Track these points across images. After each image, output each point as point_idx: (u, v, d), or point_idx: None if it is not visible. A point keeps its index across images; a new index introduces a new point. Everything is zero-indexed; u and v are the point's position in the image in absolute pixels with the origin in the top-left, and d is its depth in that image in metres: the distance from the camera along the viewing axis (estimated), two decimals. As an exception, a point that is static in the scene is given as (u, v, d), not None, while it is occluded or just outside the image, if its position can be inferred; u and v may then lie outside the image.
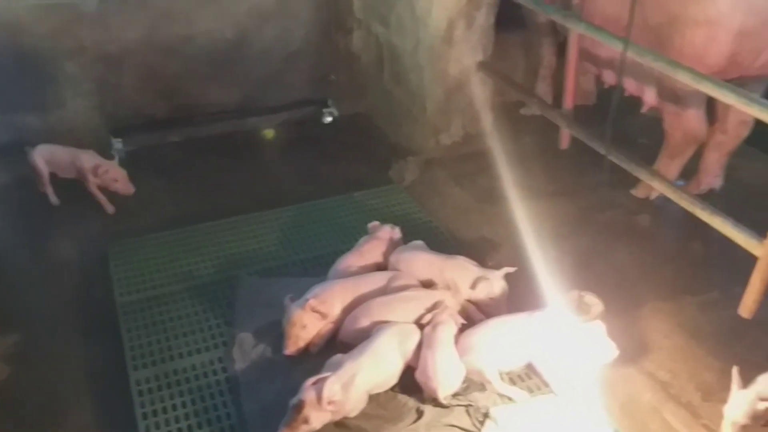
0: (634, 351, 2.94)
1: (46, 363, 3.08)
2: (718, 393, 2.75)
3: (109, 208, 4.05)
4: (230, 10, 4.68)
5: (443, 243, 3.67)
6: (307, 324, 2.97)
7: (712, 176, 3.74)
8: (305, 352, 2.98)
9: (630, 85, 3.83)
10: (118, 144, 4.63)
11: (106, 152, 4.45)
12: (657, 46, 3.36)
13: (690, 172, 3.84)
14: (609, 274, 3.39)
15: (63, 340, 3.19)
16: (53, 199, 4.10)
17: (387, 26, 4.52)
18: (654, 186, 3.31)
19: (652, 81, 3.61)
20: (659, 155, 3.75)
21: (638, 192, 3.86)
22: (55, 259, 3.68)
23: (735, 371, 2.44)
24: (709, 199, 3.76)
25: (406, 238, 3.52)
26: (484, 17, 4.05)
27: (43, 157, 4.05)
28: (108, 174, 4.01)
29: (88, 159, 4.04)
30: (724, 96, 2.61)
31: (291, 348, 2.95)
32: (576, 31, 3.51)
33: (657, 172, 3.37)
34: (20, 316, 3.32)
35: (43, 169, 4.05)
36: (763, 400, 2.36)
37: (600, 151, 3.52)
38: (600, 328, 2.68)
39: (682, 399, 2.74)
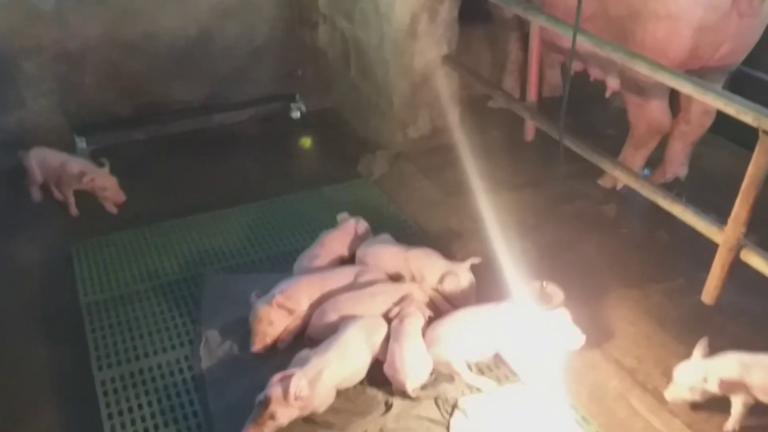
0: (600, 338, 2.96)
1: (10, 365, 3.02)
2: (684, 378, 2.78)
3: (73, 211, 3.97)
4: (192, 6, 4.64)
5: (411, 236, 3.67)
6: (274, 320, 2.95)
7: (677, 165, 3.78)
8: (273, 348, 2.95)
9: (595, 72, 3.87)
10: (81, 143, 4.56)
11: (69, 151, 4.39)
12: (620, 38, 3.40)
13: (656, 161, 3.88)
14: (575, 263, 3.41)
15: (27, 342, 3.13)
16: (36, 197, 4.06)
17: (352, 21, 4.50)
18: (616, 176, 3.33)
19: (615, 71, 3.64)
20: (624, 146, 3.79)
21: (604, 182, 3.89)
22: (18, 260, 3.62)
23: (704, 342, 2.47)
24: (673, 187, 3.83)
25: (375, 231, 3.52)
26: (447, 11, 4.04)
27: (36, 160, 4.00)
28: (95, 182, 3.89)
29: (75, 165, 3.95)
30: (682, 86, 2.65)
31: (258, 345, 2.92)
32: (537, 22, 3.51)
33: (619, 163, 3.40)
34: (-19, 318, 3.26)
35: (37, 172, 4.01)
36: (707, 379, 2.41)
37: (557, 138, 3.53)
38: (565, 315, 2.69)
39: (648, 385, 2.76)
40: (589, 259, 3.45)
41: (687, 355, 2.87)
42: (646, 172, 3.85)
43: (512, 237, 3.54)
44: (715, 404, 2.56)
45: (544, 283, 2.90)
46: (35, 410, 2.79)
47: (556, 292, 2.84)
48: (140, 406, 2.75)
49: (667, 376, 2.79)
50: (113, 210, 3.98)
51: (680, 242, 3.45)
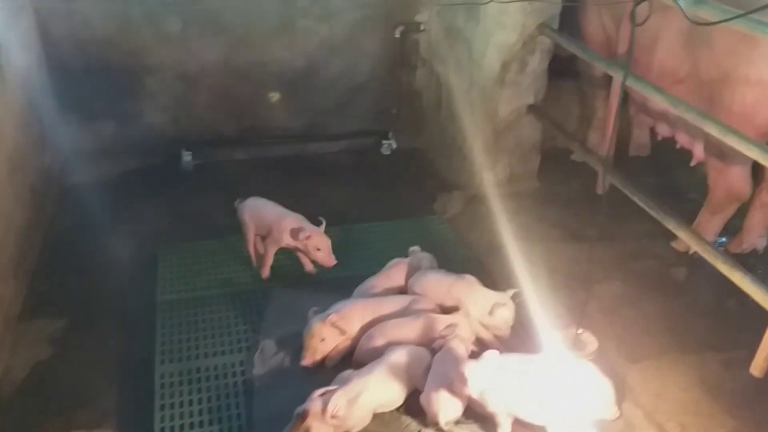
0: (646, 399, 2.92)
1: (85, 349, 3.31)
2: (727, 452, 2.70)
3: (266, 273, 3.73)
4: (302, 41, 4.94)
5: (474, 274, 3.72)
6: (326, 337, 3.09)
7: (755, 236, 3.66)
8: (321, 365, 3.09)
9: (682, 138, 3.82)
10: (187, 156, 4.94)
11: (175, 164, 4.78)
12: (710, 102, 3.36)
13: (735, 229, 3.77)
14: (635, 321, 3.38)
15: (104, 330, 3.43)
16: (252, 253, 3.77)
17: (447, 66, 4.67)
18: (681, 236, 3.27)
19: (701, 138, 3.59)
20: (701, 210, 3.71)
21: (678, 245, 3.82)
22: (110, 257, 3.94)
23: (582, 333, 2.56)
24: (750, 259, 3.71)
25: (441, 266, 3.59)
26: (538, 62, 4.13)
27: (251, 212, 3.74)
28: (310, 240, 3.55)
29: (292, 221, 3.62)
30: (750, 151, 2.60)
31: (308, 359, 3.07)
32: (617, 79, 3.54)
33: (686, 225, 3.31)
34: (71, 304, 3.59)
35: (250, 225, 3.72)
36: None
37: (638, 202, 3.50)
38: (607, 383, 2.65)
39: (687, 453, 2.69)
40: (650, 318, 3.39)
41: (735, 428, 2.79)
42: (724, 239, 3.74)
43: (574, 287, 3.55)
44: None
45: (580, 330, 2.88)
46: (98, 394, 3.05)
47: (591, 340, 2.83)
48: (191, 402, 2.95)
49: (709, 448, 2.72)
50: (311, 270, 3.74)
51: (748, 314, 3.32)
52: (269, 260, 3.72)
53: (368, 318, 3.17)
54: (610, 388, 2.68)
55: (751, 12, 2.29)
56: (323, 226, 3.62)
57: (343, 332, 3.12)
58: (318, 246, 3.57)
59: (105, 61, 4.65)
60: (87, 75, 4.63)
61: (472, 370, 2.71)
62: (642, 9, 2.52)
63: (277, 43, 4.92)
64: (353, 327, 3.15)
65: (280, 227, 3.61)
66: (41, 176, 4.26)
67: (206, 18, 4.69)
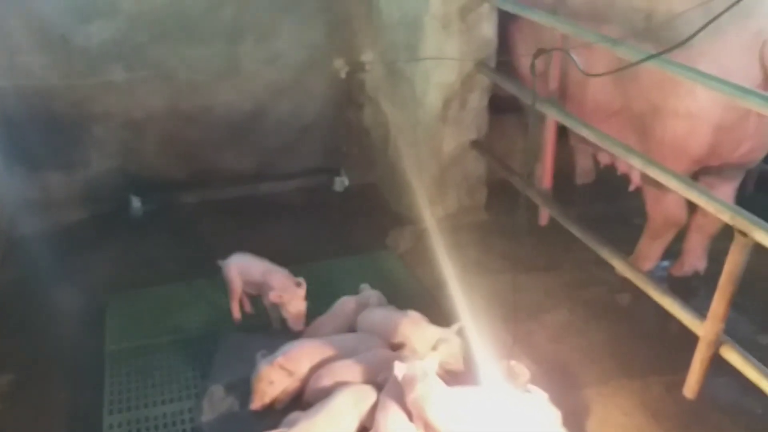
0: (590, 425, 2.97)
1: (33, 403, 3.26)
2: (670, 475, 2.75)
3: (276, 324, 3.63)
4: (249, 84, 4.99)
5: (425, 309, 3.74)
6: (275, 380, 3.07)
7: (694, 258, 3.76)
8: (270, 407, 3.09)
9: (621, 165, 3.94)
10: (137, 202, 4.93)
11: (124, 210, 4.77)
12: (642, 133, 3.48)
13: (678, 252, 3.88)
14: (581, 348, 3.44)
15: (52, 383, 3.38)
16: (236, 315, 3.71)
17: (393, 104, 4.76)
18: (614, 265, 3.36)
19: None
20: (642, 236, 3.81)
21: (621, 270, 3.89)
22: (58, 308, 3.90)
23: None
24: (692, 281, 3.82)
25: (391, 302, 3.63)
26: (478, 100, 4.25)
27: (238, 269, 3.67)
28: (290, 303, 3.49)
29: (278, 279, 3.56)
30: (668, 181, 2.70)
31: (257, 402, 3.06)
32: (550, 116, 3.66)
33: (615, 251, 3.38)
34: (18, 358, 3.54)
35: (236, 281, 3.66)
36: None
37: (574, 232, 3.59)
38: (542, 396, 2.71)
39: (630, 478, 2.74)
40: (595, 345, 3.46)
41: (677, 451, 2.85)
42: (666, 263, 3.85)
43: (522, 317, 3.59)
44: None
45: (512, 362, 2.94)
46: (47, 447, 3.01)
47: (523, 371, 2.88)
48: (140, 452, 2.93)
49: (652, 471, 2.77)
50: (276, 325, 3.63)
51: (691, 337, 3.41)
52: (272, 315, 3.64)
53: (317, 358, 3.17)
54: (556, 414, 2.72)
55: (664, 52, 2.40)
56: (303, 288, 3.52)
57: (291, 374, 3.11)
58: (291, 309, 3.50)
59: (50, 111, 4.64)
60: (32, 125, 4.61)
61: (403, 377, 2.76)
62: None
63: (223, 87, 4.96)
64: (302, 368, 3.14)
65: (269, 284, 3.54)
66: (-13, 230, 4.23)
67: (150, 65, 4.73)
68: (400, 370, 2.79)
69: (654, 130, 3.42)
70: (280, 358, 3.10)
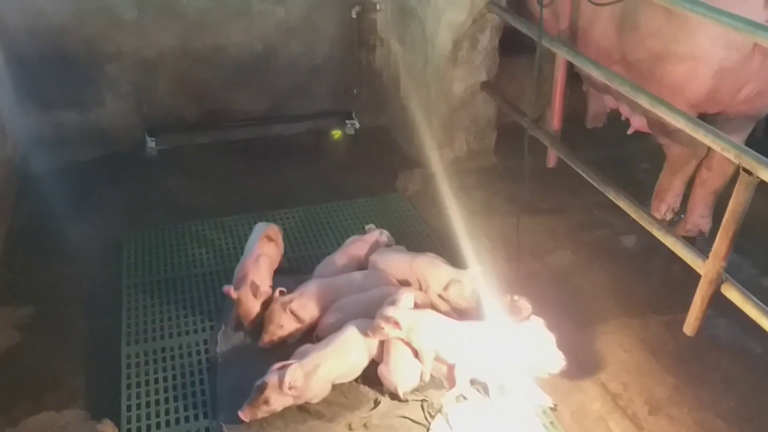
0: (591, 362, 3.07)
1: (52, 334, 3.38)
2: (666, 408, 2.86)
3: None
4: (259, 24, 4.98)
5: (431, 250, 3.83)
6: (284, 324, 3.18)
7: (698, 216, 3.74)
8: (283, 342, 3.19)
9: (624, 110, 3.95)
10: (151, 142, 4.99)
11: (139, 150, 4.83)
12: (641, 80, 3.46)
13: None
14: (583, 288, 3.53)
15: (71, 315, 3.49)
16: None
17: (403, 44, 4.75)
18: (620, 205, 3.39)
19: (640, 110, 3.70)
20: (662, 173, 3.81)
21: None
22: (77, 244, 4.00)
23: None
24: (697, 243, 3.84)
25: (399, 243, 3.71)
26: (488, 39, 4.22)
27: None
28: (242, 302, 3.25)
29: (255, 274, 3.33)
30: (676, 120, 2.72)
31: (266, 341, 3.17)
32: (560, 55, 3.65)
33: (623, 192, 3.38)
34: (38, 290, 3.66)
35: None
36: None
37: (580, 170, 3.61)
38: (550, 337, 2.79)
39: (629, 411, 2.85)
40: (597, 285, 3.55)
41: (674, 386, 2.96)
42: (683, 216, 3.84)
43: (526, 258, 3.68)
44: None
45: (515, 296, 3.02)
46: (66, 376, 3.12)
47: (525, 306, 2.96)
48: (156, 380, 3.04)
49: (650, 404, 2.88)
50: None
51: (692, 278, 3.48)
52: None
53: (327, 299, 3.25)
54: (553, 341, 2.80)
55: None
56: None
57: (300, 321, 3.20)
58: (242, 303, 3.26)
59: (62, 50, 4.66)
60: (45, 64, 4.65)
61: (394, 311, 2.90)
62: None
63: (234, 27, 4.96)
64: (311, 314, 3.22)
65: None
66: (2, 166, 4.29)
67: (161, 3, 4.72)
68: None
69: (653, 75, 3.41)
70: (292, 304, 3.17)
